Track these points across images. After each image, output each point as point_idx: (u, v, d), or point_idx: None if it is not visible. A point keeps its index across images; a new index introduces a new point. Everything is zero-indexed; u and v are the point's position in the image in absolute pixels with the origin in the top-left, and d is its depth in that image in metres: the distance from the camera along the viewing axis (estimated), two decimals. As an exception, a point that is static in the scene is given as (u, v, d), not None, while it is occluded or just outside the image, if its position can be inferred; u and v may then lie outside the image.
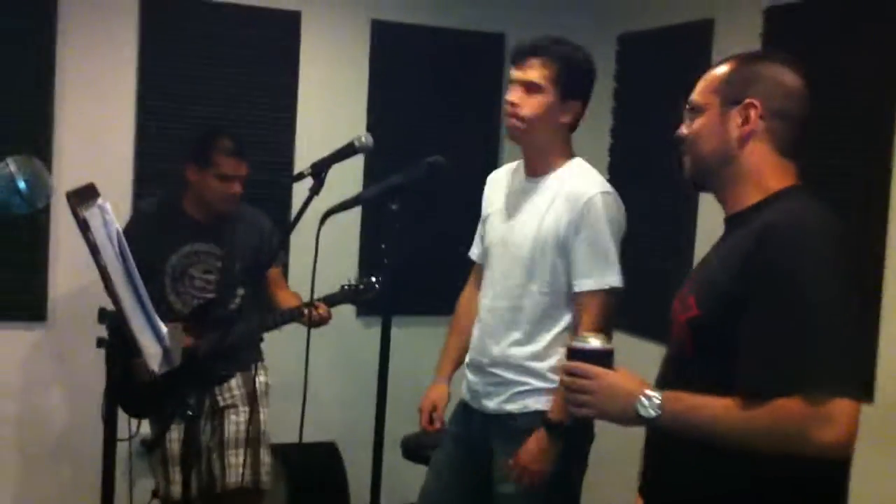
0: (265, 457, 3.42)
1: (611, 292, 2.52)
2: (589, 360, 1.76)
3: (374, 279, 3.23)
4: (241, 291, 3.43)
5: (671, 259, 4.02)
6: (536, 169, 2.64)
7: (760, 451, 1.61)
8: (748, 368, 1.64)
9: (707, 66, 4.05)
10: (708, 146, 1.83)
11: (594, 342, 1.78)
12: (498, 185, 2.78)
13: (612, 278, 2.51)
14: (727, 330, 1.67)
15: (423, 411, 2.79)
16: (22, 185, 1.57)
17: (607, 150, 4.44)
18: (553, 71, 2.54)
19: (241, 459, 3.34)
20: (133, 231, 3.42)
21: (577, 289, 2.52)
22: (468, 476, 2.68)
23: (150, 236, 3.34)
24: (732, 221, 1.82)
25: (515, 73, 2.60)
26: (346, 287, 3.27)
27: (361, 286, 3.24)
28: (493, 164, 4.43)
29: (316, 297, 3.18)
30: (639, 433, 1.85)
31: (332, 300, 3.26)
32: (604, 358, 1.77)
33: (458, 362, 2.81)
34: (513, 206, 2.67)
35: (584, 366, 1.76)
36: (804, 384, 1.56)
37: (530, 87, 2.56)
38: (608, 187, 2.55)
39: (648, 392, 1.70)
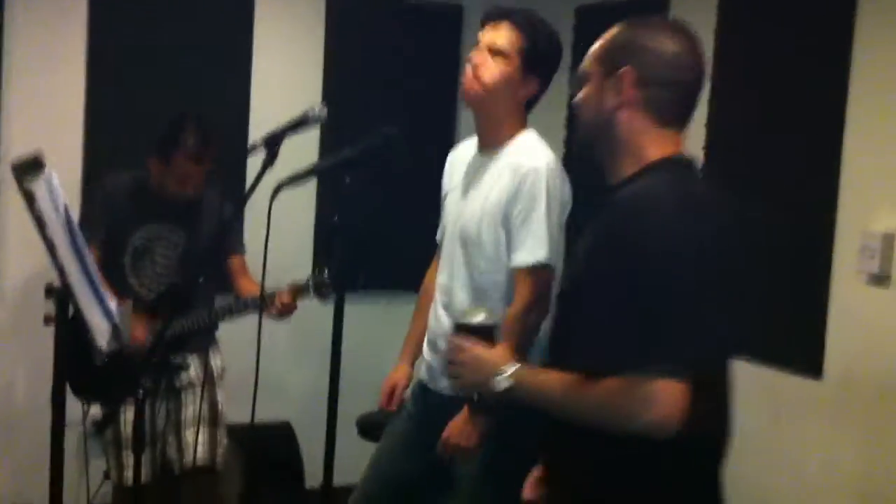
0: (222, 437, 3.39)
1: (541, 268, 2.46)
2: (470, 334, 1.81)
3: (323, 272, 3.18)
4: (200, 278, 3.38)
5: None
6: (488, 142, 2.60)
7: (595, 426, 1.62)
8: (582, 347, 1.68)
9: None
10: (588, 116, 1.80)
11: (473, 317, 1.83)
12: (457, 162, 2.75)
13: (541, 253, 2.44)
14: (579, 306, 1.70)
15: (383, 392, 2.77)
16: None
17: (564, 123, 4.42)
18: (521, 40, 2.50)
19: (197, 438, 3.30)
20: (97, 205, 3.38)
21: (510, 264, 2.49)
22: (420, 454, 2.65)
23: (116, 209, 3.31)
24: (610, 193, 1.78)
25: (485, 35, 2.54)
26: (313, 278, 3.20)
27: (327, 278, 3.17)
28: (450, 137, 4.42)
29: (276, 283, 3.13)
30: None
31: (299, 290, 3.19)
32: (483, 333, 1.81)
33: (421, 344, 2.78)
34: (466, 182, 2.64)
35: (457, 339, 1.81)
36: (625, 366, 1.56)
37: (496, 52, 2.51)
38: (552, 161, 2.52)
39: (507, 366, 1.73)
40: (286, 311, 3.18)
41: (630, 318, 1.56)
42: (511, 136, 2.56)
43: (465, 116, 4.51)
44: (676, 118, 1.75)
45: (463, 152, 2.74)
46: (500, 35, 2.51)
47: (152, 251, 3.35)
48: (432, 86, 4.50)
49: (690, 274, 1.57)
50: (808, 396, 3.26)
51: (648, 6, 3.94)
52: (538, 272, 2.46)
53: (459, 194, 2.65)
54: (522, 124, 2.59)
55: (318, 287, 3.19)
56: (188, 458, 3.28)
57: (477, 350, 1.79)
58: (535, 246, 2.44)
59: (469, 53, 2.59)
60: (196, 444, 3.29)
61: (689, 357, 1.55)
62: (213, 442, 3.35)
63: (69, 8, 3.88)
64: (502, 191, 2.48)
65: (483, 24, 2.58)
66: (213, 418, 3.37)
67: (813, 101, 3.26)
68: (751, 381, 3.44)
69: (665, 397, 1.53)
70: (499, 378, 1.73)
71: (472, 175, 2.61)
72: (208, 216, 3.40)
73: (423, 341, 2.76)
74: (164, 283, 3.37)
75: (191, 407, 3.35)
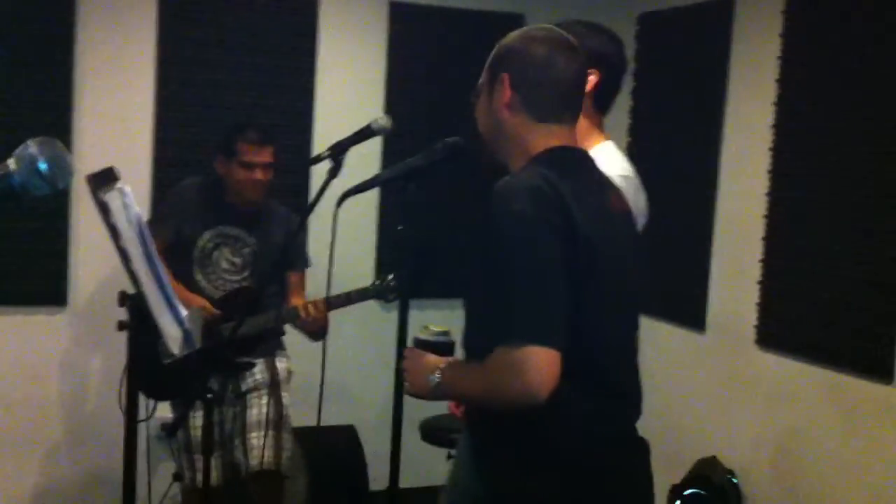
0: (287, 441, 3.43)
1: None
2: (425, 348, 1.95)
3: (391, 277, 3.22)
4: (272, 289, 3.46)
5: (693, 241, 4.00)
6: None
7: (489, 405, 1.78)
8: (466, 328, 1.86)
9: (727, 45, 4.05)
10: (482, 123, 2.00)
11: (424, 333, 1.98)
12: None
13: None
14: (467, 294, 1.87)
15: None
16: (43, 166, 1.57)
17: (626, 130, 4.41)
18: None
19: (262, 442, 3.35)
20: (170, 205, 3.51)
21: None
22: None
23: (185, 211, 3.44)
24: None
25: None
26: (378, 284, 3.24)
27: (386, 283, 3.21)
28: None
29: (340, 290, 3.18)
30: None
31: (342, 300, 3.21)
32: (438, 348, 1.95)
33: None
34: None
35: (408, 350, 1.97)
36: (499, 337, 1.69)
37: None
38: (628, 171, 2.49)
39: (441, 366, 1.87)
40: (315, 323, 3.21)
41: (493, 297, 1.73)
42: (588, 144, 2.52)
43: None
44: (554, 113, 1.91)
45: None
46: None
47: (220, 252, 3.45)
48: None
49: (533, 252, 1.71)
50: (880, 401, 3.19)
51: (712, 13, 3.93)
52: None
53: None
54: (598, 130, 2.55)
55: (382, 292, 3.22)
56: (253, 461, 3.33)
57: (419, 357, 1.93)
58: None
59: None
60: (260, 447, 3.34)
61: (554, 326, 1.68)
62: (277, 445, 3.38)
63: (138, 22, 3.98)
64: None
65: None
66: (278, 422, 3.41)
67: (881, 104, 3.20)
68: (820, 387, 3.40)
69: (533, 363, 1.65)
70: (431, 377, 1.87)
71: None
72: (276, 225, 3.49)
73: None
74: (231, 283, 3.45)
75: (256, 410, 3.40)
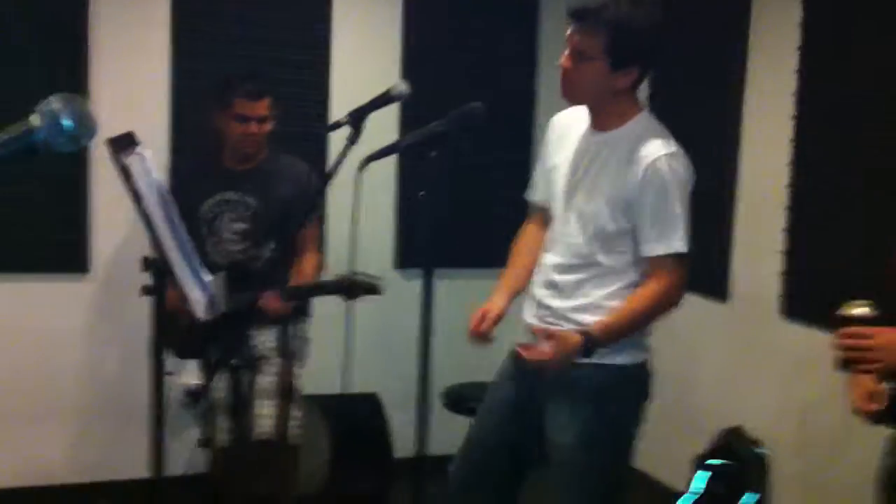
0: (294, 410, 3.39)
1: (678, 258, 2.43)
2: (859, 325, 1.85)
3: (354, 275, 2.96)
4: (270, 246, 3.38)
5: (715, 210, 3.96)
6: (599, 126, 2.53)
7: None
8: None
9: (747, 12, 3.89)
10: None
11: (861, 309, 1.87)
12: (563, 132, 2.64)
13: (679, 244, 2.42)
14: None
15: (473, 317, 2.63)
16: (67, 122, 1.55)
17: (646, 100, 4.36)
18: (603, 39, 2.37)
19: (269, 411, 3.32)
20: (170, 180, 3.45)
21: (643, 254, 2.46)
22: (520, 421, 2.64)
23: (183, 184, 3.38)
24: None
25: (570, 35, 2.43)
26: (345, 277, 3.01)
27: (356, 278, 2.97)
28: (529, 114, 4.41)
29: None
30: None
31: (299, 293, 3.17)
32: (871, 323, 1.85)
33: (516, 290, 2.70)
34: (578, 161, 2.55)
35: (864, 329, 1.84)
36: None
37: (580, 56, 2.41)
38: (674, 147, 2.46)
39: None
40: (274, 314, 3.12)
41: None
42: (624, 117, 2.50)
43: (544, 95, 4.49)
44: None
45: (570, 122, 2.63)
46: (583, 38, 2.40)
47: (221, 220, 3.39)
48: (510, 60, 4.48)
49: None
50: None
51: None
52: (676, 262, 2.44)
53: (569, 173, 2.57)
54: (634, 103, 2.54)
55: (341, 288, 2.99)
56: (257, 429, 3.29)
57: (888, 333, 1.82)
58: (671, 237, 2.42)
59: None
60: (265, 416, 3.30)
61: None
62: (283, 416, 3.34)
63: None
64: (624, 180, 2.43)
65: (569, 19, 2.45)
66: (287, 392, 3.36)
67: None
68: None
69: None
70: None
71: (586, 156, 2.54)
72: (281, 180, 3.41)
73: (516, 288, 2.70)
74: (236, 252, 3.39)
75: (265, 378, 3.34)
